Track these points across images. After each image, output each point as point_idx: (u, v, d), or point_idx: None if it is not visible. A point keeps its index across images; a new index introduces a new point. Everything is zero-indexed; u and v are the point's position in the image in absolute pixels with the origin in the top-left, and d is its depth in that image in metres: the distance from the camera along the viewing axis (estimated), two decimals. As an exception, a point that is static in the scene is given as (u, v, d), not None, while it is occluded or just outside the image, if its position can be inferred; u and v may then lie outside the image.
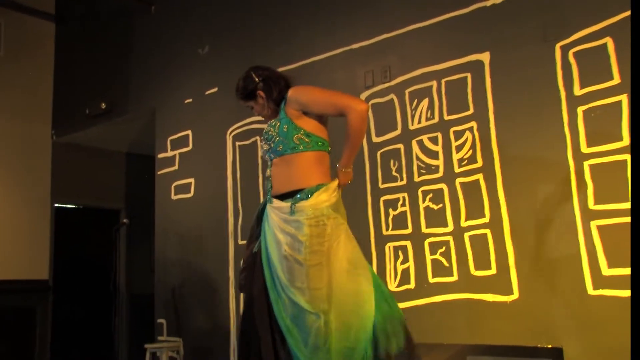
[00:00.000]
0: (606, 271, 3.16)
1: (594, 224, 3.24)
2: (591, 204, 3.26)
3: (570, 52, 3.41)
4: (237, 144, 5.06)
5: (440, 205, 3.82)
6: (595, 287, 3.19)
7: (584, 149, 3.31)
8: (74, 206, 7.26)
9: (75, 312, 7.00)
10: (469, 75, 3.79)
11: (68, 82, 6.89)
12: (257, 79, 2.82)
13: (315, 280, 2.44)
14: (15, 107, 6.61)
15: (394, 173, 4.06)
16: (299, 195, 2.54)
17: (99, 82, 6.52)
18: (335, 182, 2.63)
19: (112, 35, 6.50)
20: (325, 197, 2.53)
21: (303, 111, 2.66)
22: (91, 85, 6.59)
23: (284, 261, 2.49)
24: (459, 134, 3.79)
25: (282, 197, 2.61)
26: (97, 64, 6.59)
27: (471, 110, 3.76)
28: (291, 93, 2.70)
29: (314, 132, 2.66)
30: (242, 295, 4.85)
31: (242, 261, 2.69)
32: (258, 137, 4.89)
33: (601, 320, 3.15)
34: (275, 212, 2.59)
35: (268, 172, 2.75)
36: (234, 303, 4.91)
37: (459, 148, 3.78)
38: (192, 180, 5.40)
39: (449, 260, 3.75)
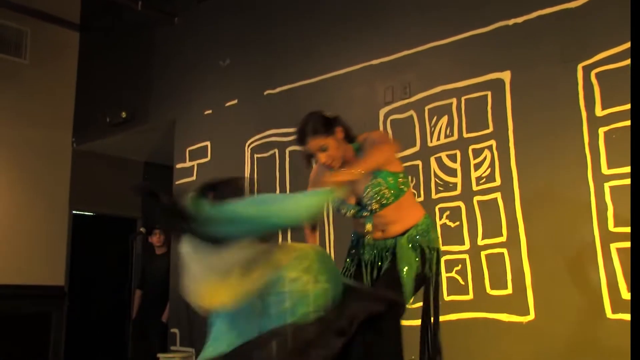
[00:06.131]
0: (626, 295, 3.12)
1: (613, 247, 3.20)
2: (611, 226, 3.23)
3: (593, 73, 3.39)
4: (256, 156, 5.08)
5: (458, 223, 3.80)
6: (614, 311, 3.15)
7: (605, 170, 3.29)
8: (91, 213, 7.32)
9: (90, 319, 7.04)
10: (489, 93, 3.79)
11: (90, 91, 6.97)
12: (329, 115, 2.56)
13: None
14: (38, 114, 6.70)
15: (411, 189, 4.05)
16: (415, 230, 2.58)
17: (120, 91, 6.59)
18: None
19: (134, 45, 6.58)
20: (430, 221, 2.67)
21: None
22: (112, 94, 6.66)
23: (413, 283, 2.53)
24: (477, 152, 3.78)
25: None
26: (119, 74, 6.67)
27: (491, 129, 3.75)
28: (379, 137, 2.62)
29: (402, 168, 2.63)
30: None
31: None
32: (277, 150, 4.90)
33: (620, 346, 3.09)
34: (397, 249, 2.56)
35: (369, 227, 2.59)
36: (248, 315, 4.90)
37: (477, 166, 3.77)
38: (209, 191, 5.41)
39: (464, 278, 3.73)
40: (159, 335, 5.58)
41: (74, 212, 6.98)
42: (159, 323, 5.63)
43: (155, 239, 5.92)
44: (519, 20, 3.73)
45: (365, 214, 2.58)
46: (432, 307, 2.59)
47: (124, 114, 6.35)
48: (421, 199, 3.97)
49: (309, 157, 2.61)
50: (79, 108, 7.04)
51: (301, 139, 2.55)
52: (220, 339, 2.12)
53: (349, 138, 2.59)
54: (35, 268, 6.48)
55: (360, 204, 2.59)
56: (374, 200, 2.53)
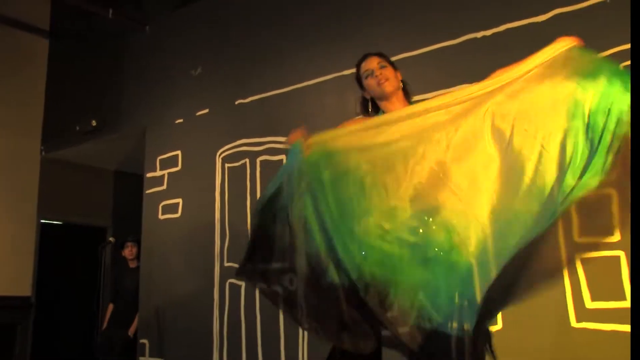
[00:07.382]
0: (589, 304, 3.17)
1: (578, 256, 3.24)
2: (576, 236, 3.27)
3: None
4: (227, 165, 5.06)
5: (427, 233, 3.81)
6: (578, 320, 3.19)
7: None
8: (60, 222, 7.21)
9: (57, 331, 6.91)
10: (458, 104, 3.82)
11: (59, 99, 6.89)
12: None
13: None
14: (6, 121, 6.60)
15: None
16: None
17: (91, 99, 6.52)
18: None
19: (105, 53, 6.52)
20: None
21: None
22: (82, 102, 6.59)
23: None
24: (447, 163, 3.81)
25: None
26: (89, 82, 6.60)
27: (460, 140, 3.78)
28: None
29: None
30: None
31: None
32: (248, 159, 4.89)
33: (585, 354, 3.14)
34: None
35: None
36: (218, 325, 4.87)
37: (446, 177, 3.79)
38: (179, 200, 5.38)
39: (434, 288, 3.74)
40: (126, 349, 5.51)
41: (42, 221, 6.88)
42: (127, 337, 5.56)
43: (128, 251, 5.84)
44: (488, 32, 3.78)
45: None
46: None
47: (93, 122, 6.29)
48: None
49: (365, 101, 2.64)
50: (48, 116, 6.95)
51: (363, 58, 2.58)
52: None
53: (405, 89, 2.62)
54: (1, 278, 6.35)
55: None
56: None
